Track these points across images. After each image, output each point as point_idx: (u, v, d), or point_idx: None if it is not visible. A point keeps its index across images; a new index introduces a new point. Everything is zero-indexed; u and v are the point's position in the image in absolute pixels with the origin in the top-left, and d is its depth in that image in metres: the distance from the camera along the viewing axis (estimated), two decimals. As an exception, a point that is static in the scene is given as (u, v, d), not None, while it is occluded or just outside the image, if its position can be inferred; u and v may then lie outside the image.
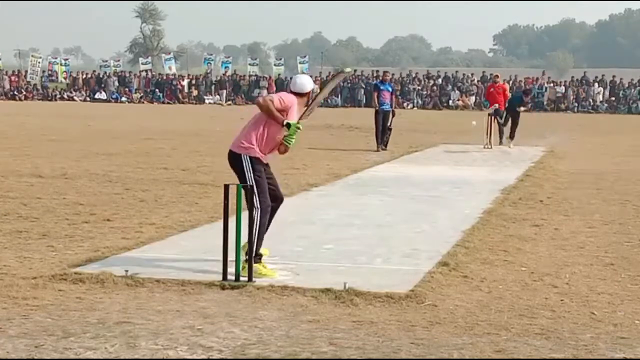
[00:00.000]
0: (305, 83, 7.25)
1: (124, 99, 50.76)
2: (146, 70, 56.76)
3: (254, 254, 6.71)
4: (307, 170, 14.77)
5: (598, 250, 8.12)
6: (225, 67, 56.95)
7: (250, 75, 54.39)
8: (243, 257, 6.66)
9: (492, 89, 22.88)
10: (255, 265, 6.69)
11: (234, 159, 7.03)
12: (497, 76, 24.21)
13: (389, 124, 19.97)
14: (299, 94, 7.17)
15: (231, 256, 6.51)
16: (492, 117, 21.42)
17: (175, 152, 18.17)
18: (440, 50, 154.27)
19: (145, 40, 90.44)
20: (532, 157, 18.26)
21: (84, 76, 54.15)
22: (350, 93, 50.40)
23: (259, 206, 6.92)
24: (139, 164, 15.37)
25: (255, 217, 6.87)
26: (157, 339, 5.08)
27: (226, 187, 6.65)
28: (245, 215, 6.57)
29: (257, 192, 6.93)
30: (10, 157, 16.15)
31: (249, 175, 6.95)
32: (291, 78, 7.18)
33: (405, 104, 46.74)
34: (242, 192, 6.68)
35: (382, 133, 19.87)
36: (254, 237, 6.74)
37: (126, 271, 6.61)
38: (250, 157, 6.97)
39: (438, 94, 49.91)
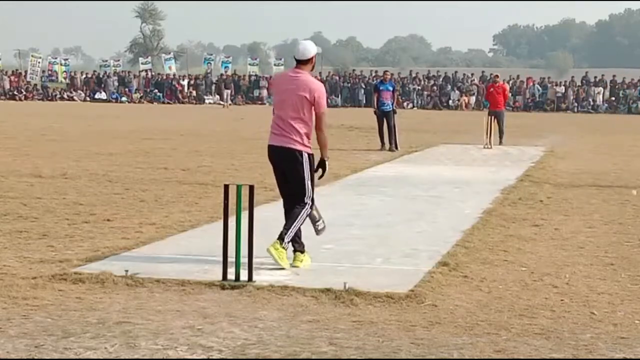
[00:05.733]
0: (306, 49, 7.06)
1: (124, 99, 50.79)
2: (146, 70, 56.76)
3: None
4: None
5: (598, 250, 8.12)
6: (225, 67, 56.96)
7: (250, 75, 54.39)
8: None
9: (492, 89, 22.94)
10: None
11: (294, 157, 7.02)
12: (497, 76, 24.27)
13: (392, 123, 19.95)
14: (303, 62, 7.08)
15: (231, 256, 6.52)
16: (492, 118, 21.45)
17: (175, 152, 18.17)
18: (440, 50, 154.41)
19: (145, 40, 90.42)
20: (532, 157, 18.26)
21: (83, 76, 54.12)
22: (350, 93, 50.43)
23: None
24: (139, 164, 15.37)
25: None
26: (157, 339, 5.08)
27: (226, 187, 6.65)
28: (245, 215, 6.56)
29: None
30: (10, 157, 16.15)
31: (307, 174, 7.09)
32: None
33: (405, 104, 46.75)
34: (242, 192, 6.67)
35: (389, 135, 19.85)
36: (292, 225, 6.99)
37: (126, 271, 6.61)
38: (309, 154, 7.10)
39: (438, 94, 49.94)
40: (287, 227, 6.97)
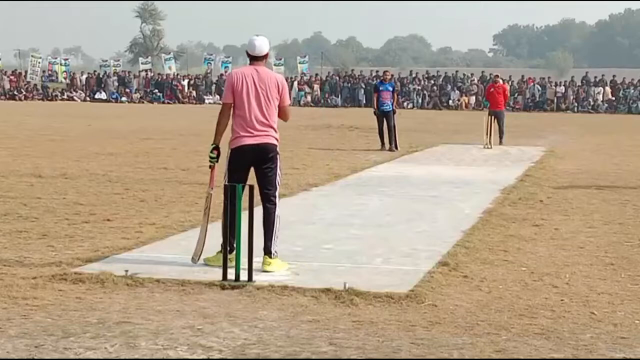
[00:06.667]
0: (264, 45, 7.06)
1: (124, 99, 50.76)
2: (146, 70, 56.75)
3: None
4: (307, 170, 14.77)
5: (598, 250, 8.12)
6: (225, 67, 56.94)
7: (250, 75, 54.28)
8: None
9: (492, 89, 22.95)
10: (274, 260, 6.91)
11: (273, 152, 7.03)
12: (497, 76, 24.27)
13: (392, 123, 19.95)
14: (259, 58, 7.07)
15: (231, 256, 6.52)
16: (492, 117, 21.46)
17: (175, 152, 18.17)
18: (440, 50, 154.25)
19: (145, 40, 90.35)
20: (532, 157, 18.26)
21: (84, 76, 54.07)
22: (350, 93, 50.40)
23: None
24: (139, 164, 15.37)
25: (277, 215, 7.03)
26: (157, 339, 5.08)
27: (226, 187, 6.65)
28: (245, 215, 6.56)
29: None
30: (10, 157, 16.15)
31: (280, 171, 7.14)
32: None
33: (405, 104, 46.74)
34: (242, 191, 6.67)
35: (389, 135, 19.87)
36: (272, 234, 6.96)
37: (126, 271, 6.61)
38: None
39: (438, 94, 49.93)
40: (269, 238, 6.94)
